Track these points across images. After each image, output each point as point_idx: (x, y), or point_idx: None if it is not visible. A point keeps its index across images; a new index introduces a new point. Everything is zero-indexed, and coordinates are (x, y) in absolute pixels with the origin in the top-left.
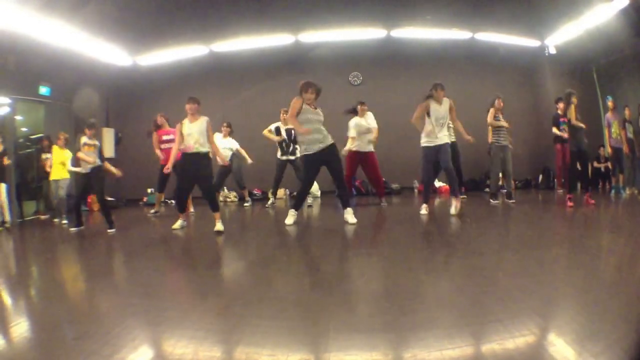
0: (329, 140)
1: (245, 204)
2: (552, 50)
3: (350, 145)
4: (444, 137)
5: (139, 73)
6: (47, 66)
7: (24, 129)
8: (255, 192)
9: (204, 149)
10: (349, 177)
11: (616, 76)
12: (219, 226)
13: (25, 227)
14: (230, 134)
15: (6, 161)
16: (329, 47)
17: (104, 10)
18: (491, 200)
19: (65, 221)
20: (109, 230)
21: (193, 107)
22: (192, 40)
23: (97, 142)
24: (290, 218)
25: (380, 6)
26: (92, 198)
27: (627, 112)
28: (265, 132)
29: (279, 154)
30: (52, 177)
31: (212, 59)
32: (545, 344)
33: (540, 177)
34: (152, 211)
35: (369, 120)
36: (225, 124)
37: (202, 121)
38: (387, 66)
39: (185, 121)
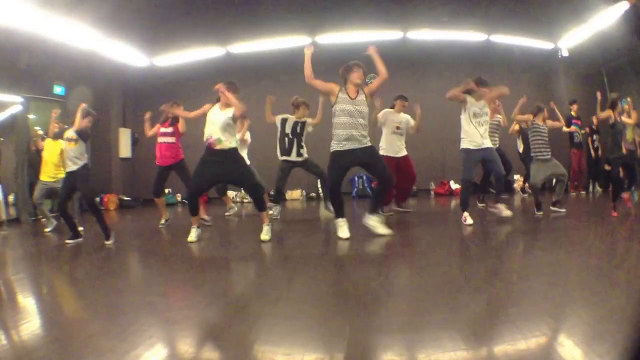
0: (367, 142)
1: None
2: (565, 53)
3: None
4: (486, 141)
5: (156, 74)
6: (62, 66)
7: (37, 128)
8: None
9: (231, 144)
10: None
11: (626, 79)
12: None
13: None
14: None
15: None
16: (343, 49)
17: (121, 10)
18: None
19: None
20: (106, 242)
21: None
22: (209, 41)
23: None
24: (342, 229)
25: (397, 8)
26: (108, 197)
27: (635, 115)
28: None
29: (278, 152)
30: (42, 177)
31: (229, 60)
32: (556, 345)
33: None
34: (162, 221)
35: (402, 117)
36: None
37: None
38: (403, 68)
39: (216, 106)
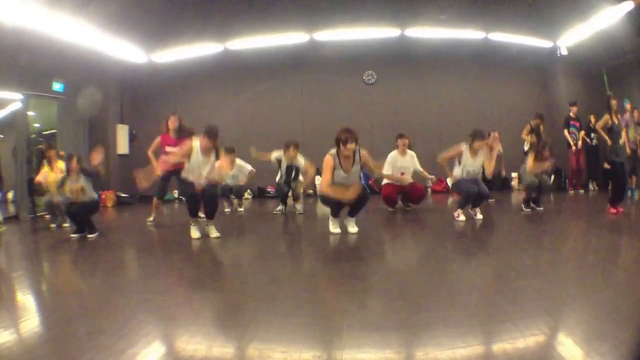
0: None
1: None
2: (564, 52)
3: (386, 179)
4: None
5: (154, 70)
6: (61, 62)
7: (36, 125)
8: (270, 189)
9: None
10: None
11: (626, 78)
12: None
13: (37, 223)
14: (234, 158)
15: None
16: (343, 46)
17: (119, 6)
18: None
19: (66, 224)
20: (89, 235)
21: (208, 144)
22: (207, 37)
23: (81, 182)
24: (333, 225)
25: (394, 5)
26: (105, 194)
27: (636, 114)
28: (261, 154)
29: (277, 177)
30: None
31: (227, 56)
32: (555, 344)
33: (552, 177)
34: (150, 219)
35: (407, 161)
36: (224, 151)
37: (213, 157)
38: (401, 65)
39: (197, 145)
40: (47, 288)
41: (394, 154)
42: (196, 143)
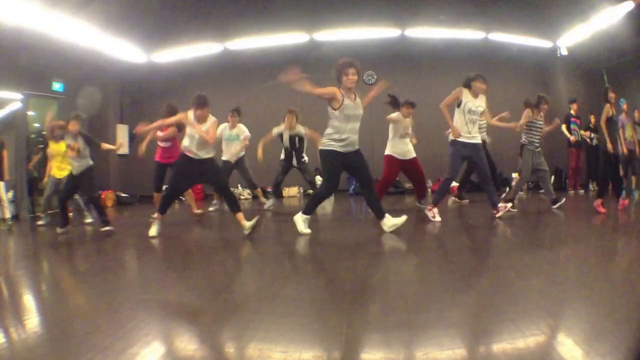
0: (356, 146)
1: (265, 205)
2: (564, 52)
3: (389, 150)
4: (476, 136)
5: (153, 70)
6: (60, 62)
7: (36, 125)
8: (269, 189)
9: (208, 154)
10: (387, 184)
11: (626, 78)
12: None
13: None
14: (239, 120)
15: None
16: (343, 46)
17: (119, 7)
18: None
19: (42, 222)
20: (102, 229)
21: (204, 112)
22: (207, 37)
23: (79, 143)
24: (299, 224)
25: (394, 5)
26: (105, 194)
27: (637, 114)
28: (263, 140)
29: (282, 155)
30: (53, 173)
31: (227, 56)
32: (555, 344)
33: (552, 177)
34: (154, 215)
35: (409, 125)
36: (231, 112)
37: (209, 123)
38: (401, 65)
39: (190, 114)
40: (46, 288)
41: (397, 115)
42: (190, 113)
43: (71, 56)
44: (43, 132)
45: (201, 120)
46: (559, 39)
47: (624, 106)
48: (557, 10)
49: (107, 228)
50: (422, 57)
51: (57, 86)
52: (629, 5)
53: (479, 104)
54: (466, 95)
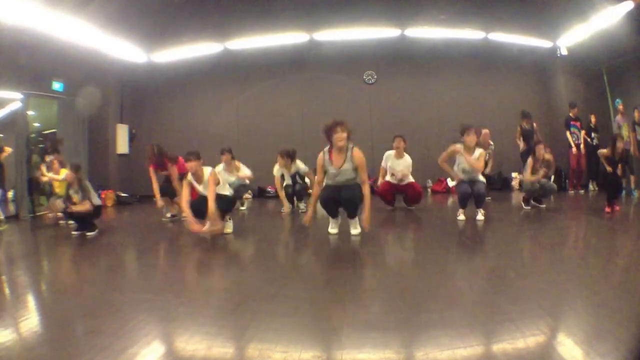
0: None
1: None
2: (564, 52)
3: (381, 179)
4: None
5: (154, 70)
6: (60, 62)
7: (36, 125)
8: (269, 189)
9: (223, 191)
10: (387, 200)
11: (626, 78)
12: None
13: (36, 223)
14: (233, 160)
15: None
16: (343, 46)
17: (119, 6)
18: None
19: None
20: (88, 233)
21: (196, 164)
22: (207, 37)
23: (78, 195)
24: (332, 225)
25: (394, 5)
26: (105, 194)
27: (636, 114)
28: (277, 181)
29: (284, 183)
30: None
31: (227, 56)
32: (555, 344)
33: (552, 177)
34: (168, 215)
35: (401, 164)
36: (224, 153)
37: (205, 176)
38: (401, 65)
39: (190, 177)
40: (46, 287)
41: (390, 153)
42: (189, 176)
43: (71, 56)
44: (43, 132)
45: (197, 177)
46: (558, 39)
47: (620, 107)
48: (557, 10)
49: (91, 234)
50: (422, 57)
51: (57, 86)
52: (629, 5)
53: (473, 160)
54: (460, 154)
